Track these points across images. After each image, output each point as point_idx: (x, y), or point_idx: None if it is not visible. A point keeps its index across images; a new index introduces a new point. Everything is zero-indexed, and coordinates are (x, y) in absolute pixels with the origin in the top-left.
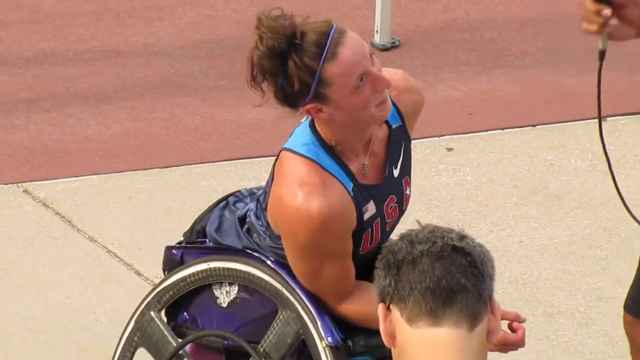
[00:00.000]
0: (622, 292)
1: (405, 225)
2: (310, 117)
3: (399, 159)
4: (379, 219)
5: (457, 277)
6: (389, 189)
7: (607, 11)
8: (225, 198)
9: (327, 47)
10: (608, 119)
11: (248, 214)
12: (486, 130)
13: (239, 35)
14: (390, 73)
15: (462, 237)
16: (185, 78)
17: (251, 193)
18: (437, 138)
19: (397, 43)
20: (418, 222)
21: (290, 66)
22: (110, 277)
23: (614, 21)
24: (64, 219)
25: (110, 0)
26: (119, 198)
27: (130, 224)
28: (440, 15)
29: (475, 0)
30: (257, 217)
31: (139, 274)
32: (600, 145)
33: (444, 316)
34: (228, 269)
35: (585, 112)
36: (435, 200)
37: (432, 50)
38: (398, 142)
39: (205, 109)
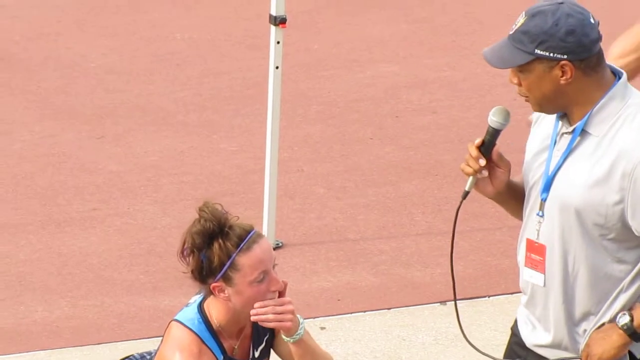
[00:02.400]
0: None
1: None
2: (199, 300)
3: (260, 345)
4: None
5: None
6: None
7: (482, 161)
8: None
9: (245, 240)
10: (447, 302)
11: None
12: (351, 313)
13: (154, 240)
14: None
15: None
16: (112, 273)
17: (142, 356)
18: (312, 319)
19: (281, 244)
20: None
21: (215, 246)
22: None
23: (485, 172)
24: None
25: (53, 212)
26: None
27: None
28: (314, 222)
29: (342, 209)
30: None
31: None
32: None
33: None
34: None
35: (429, 298)
36: None
37: (308, 249)
38: (260, 333)
39: (128, 297)
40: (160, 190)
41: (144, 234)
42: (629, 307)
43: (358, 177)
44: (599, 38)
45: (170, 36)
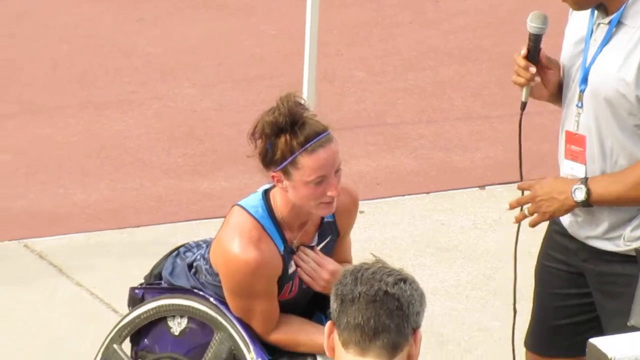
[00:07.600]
0: (498, 325)
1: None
2: (264, 188)
3: (321, 243)
4: (298, 277)
5: (382, 319)
6: None
7: (532, 68)
8: (177, 248)
9: (311, 142)
10: (486, 187)
11: (197, 257)
12: (390, 197)
13: (193, 123)
14: (352, 190)
15: (398, 281)
16: (150, 156)
17: (197, 244)
18: None
19: None
20: (373, 255)
21: (281, 140)
22: (93, 314)
23: (537, 79)
24: (56, 268)
25: (91, 94)
26: (99, 251)
27: (108, 272)
28: (353, 106)
29: (381, 93)
30: (204, 259)
31: (115, 311)
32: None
33: (369, 350)
34: (173, 304)
35: (467, 182)
36: None
37: (347, 134)
38: (325, 233)
39: (166, 180)
40: (199, 73)
41: (182, 117)
42: None
43: (397, 61)
44: None
45: None
